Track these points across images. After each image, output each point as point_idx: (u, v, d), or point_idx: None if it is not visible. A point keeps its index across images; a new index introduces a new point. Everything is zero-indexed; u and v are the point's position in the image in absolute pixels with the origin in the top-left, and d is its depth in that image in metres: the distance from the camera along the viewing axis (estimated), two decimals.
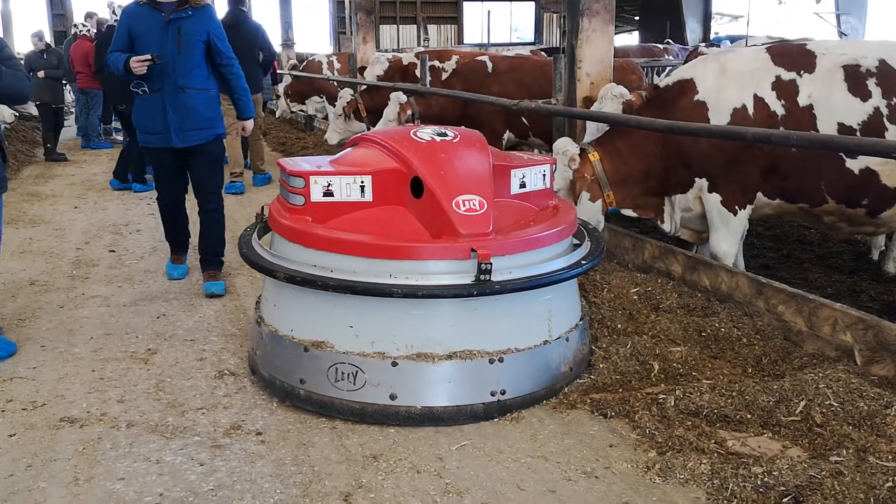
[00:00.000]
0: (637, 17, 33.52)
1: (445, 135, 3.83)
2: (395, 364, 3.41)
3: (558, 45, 25.15)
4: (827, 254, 6.66)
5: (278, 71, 15.19)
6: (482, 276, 3.30)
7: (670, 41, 20.59)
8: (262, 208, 4.16)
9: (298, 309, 3.62)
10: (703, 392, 3.50)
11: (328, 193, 3.62)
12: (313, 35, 33.30)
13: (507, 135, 8.22)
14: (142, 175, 9.49)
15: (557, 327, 3.73)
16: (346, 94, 10.19)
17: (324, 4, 34.87)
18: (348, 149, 4.11)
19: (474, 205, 3.50)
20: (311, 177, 3.62)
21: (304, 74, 14.66)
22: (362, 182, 3.63)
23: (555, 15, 34.96)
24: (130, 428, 3.46)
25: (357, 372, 3.43)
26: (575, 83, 6.06)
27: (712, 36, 27.26)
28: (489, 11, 28.73)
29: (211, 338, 4.55)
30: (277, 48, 14.45)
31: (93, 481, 3.03)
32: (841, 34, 23.52)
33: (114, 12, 9.29)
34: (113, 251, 6.53)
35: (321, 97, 14.30)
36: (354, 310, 3.46)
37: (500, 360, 3.49)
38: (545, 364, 3.65)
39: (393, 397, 3.41)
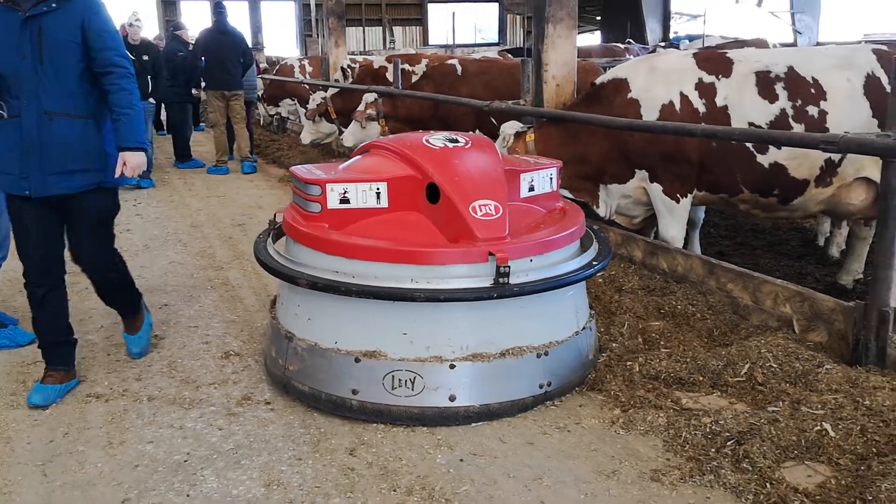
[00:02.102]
0: (599, 17, 34.16)
1: (457, 141, 3.94)
2: (452, 367, 3.51)
3: (522, 46, 25.64)
4: (777, 241, 7.20)
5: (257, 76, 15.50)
6: (501, 279, 3.41)
7: (631, 41, 21.12)
8: (275, 215, 4.29)
9: (342, 320, 3.63)
10: (662, 359, 3.95)
11: (344, 200, 3.70)
12: (280, 38, 33.48)
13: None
14: None
15: (581, 318, 3.97)
16: (317, 97, 10.63)
17: (290, 8, 35.06)
18: (358, 156, 4.21)
19: (490, 209, 3.60)
20: (327, 184, 3.69)
21: (276, 78, 15.00)
22: (378, 189, 3.71)
23: (518, 16, 35.48)
24: (151, 401, 3.85)
25: (415, 378, 3.49)
26: (542, 85, 6.49)
27: (672, 35, 27.92)
28: (454, 13, 29.17)
29: (213, 324, 4.93)
30: None
31: (126, 444, 3.43)
32: (795, 32, 24.33)
33: None
34: None
35: (293, 100, 14.65)
36: (407, 317, 3.52)
37: (546, 354, 3.67)
38: (578, 353, 3.88)
39: (452, 399, 3.51)
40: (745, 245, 7.09)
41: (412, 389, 3.50)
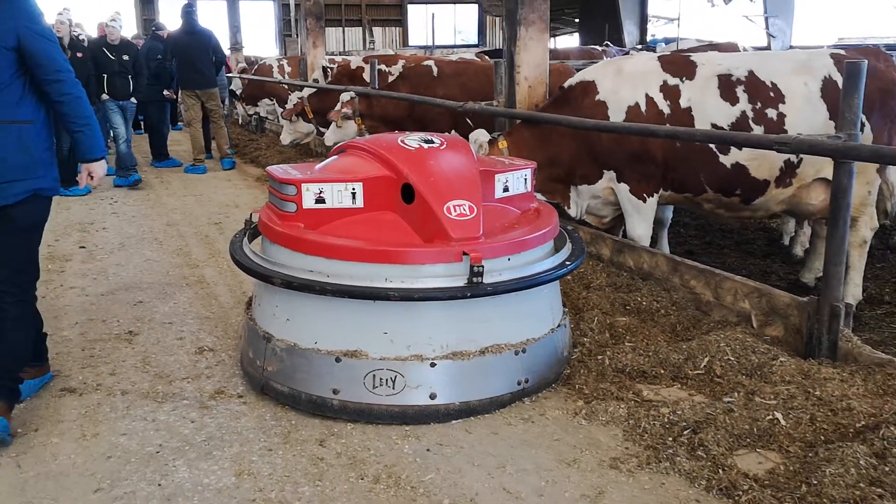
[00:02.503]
0: (577, 20, 34.39)
1: (432, 142, 3.97)
2: (433, 365, 3.56)
3: (501, 47, 25.78)
4: (744, 240, 7.37)
5: (227, 74, 15.54)
6: (474, 279, 3.45)
7: (609, 43, 21.32)
8: (251, 215, 4.34)
9: (322, 320, 3.65)
10: (627, 353, 4.07)
11: (320, 200, 3.74)
12: (259, 38, 33.45)
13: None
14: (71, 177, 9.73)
15: (556, 316, 4.07)
16: (293, 98, 10.74)
17: (269, 8, 35.03)
18: (334, 156, 4.23)
19: (464, 210, 3.64)
20: (302, 184, 3.72)
21: (255, 77, 15.05)
22: (354, 189, 3.74)
23: (497, 18, 35.65)
24: (125, 395, 3.92)
25: (396, 376, 3.53)
26: (514, 86, 6.61)
27: (649, 38, 28.20)
28: (433, 14, 29.26)
29: (187, 321, 4.99)
30: (226, 51, 14.89)
31: (99, 437, 3.50)
32: (769, 36, 24.67)
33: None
34: (83, 247, 6.90)
35: (271, 100, 14.72)
36: (387, 316, 3.56)
37: (524, 351, 3.74)
38: (554, 350, 3.95)
39: (433, 397, 3.56)
40: (714, 244, 7.25)
41: (393, 388, 3.54)
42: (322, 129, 10.33)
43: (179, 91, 11.71)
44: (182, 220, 8.08)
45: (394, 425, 3.56)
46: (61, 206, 8.89)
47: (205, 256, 6.58)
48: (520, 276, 3.66)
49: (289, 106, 10.63)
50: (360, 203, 3.78)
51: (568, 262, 3.95)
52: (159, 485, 3.12)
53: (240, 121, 16.47)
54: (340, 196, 3.76)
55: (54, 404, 3.82)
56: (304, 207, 3.75)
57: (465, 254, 3.50)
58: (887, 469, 2.87)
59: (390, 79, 9.83)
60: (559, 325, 4.05)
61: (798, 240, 6.77)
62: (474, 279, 3.46)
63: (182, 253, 6.73)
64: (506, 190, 4.15)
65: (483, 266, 3.46)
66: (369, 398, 3.56)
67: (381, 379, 3.54)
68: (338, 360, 3.58)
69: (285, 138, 10.57)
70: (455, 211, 3.64)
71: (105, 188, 10.03)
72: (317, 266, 3.60)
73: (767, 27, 24.58)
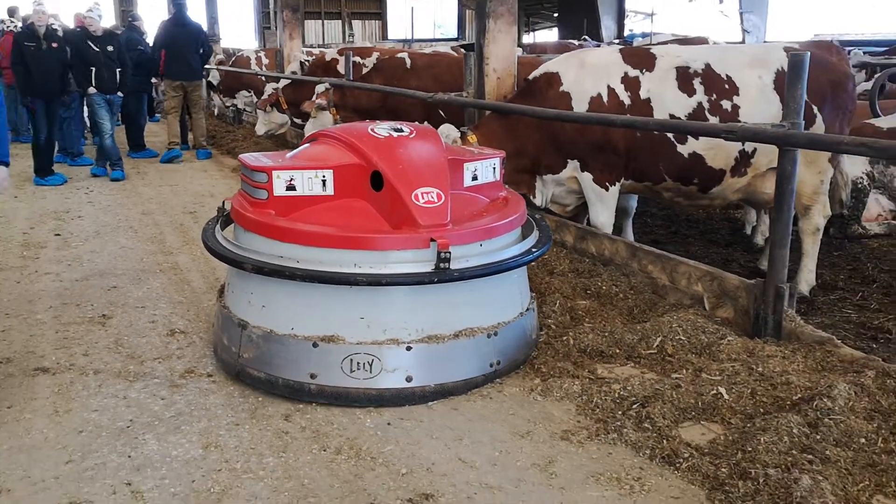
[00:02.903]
0: (556, 14, 34.60)
1: (402, 130, 4.05)
2: (409, 349, 3.66)
3: None
4: (708, 230, 7.57)
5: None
6: (441, 265, 3.54)
7: (587, 38, 21.51)
8: (224, 202, 4.41)
9: (299, 307, 3.72)
10: (587, 333, 4.23)
11: (291, 188, 3.80)
12: (238, 30, 33.40)
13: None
14: (48, 168, 9.82)
15: (524, 301, 4.20)
16: (268, 89, 10.84)
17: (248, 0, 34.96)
18: (306, 144, 4.31)
19: (432, 197, 3.72)
20: (273, 172, 3.79)
21: (232, 69, 15.11)
22: (324, 176, 3.81)
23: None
24: (97, 374, 4.04)
25: (373, 360, 3.62)
26: (483, 78, 6.77)
27: (626, 33, 28.47)
28: (413, 8, 29.39)
29: (160, 305, 5.11)
30: None
31: (71, 413, 3.62)
32: (744, 31, 24.96)
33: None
34: (58, 235, 6.99)
35: (249, 92, 14.79)
36: (363, 301, 3.65)
37: (496, 334, 3.85)
38: (524, 333, 4.08)
39: (409, 379, 3.65)
40: (679, 234, 7.44)
41: (370, 372, 3.63)
42: (296, 120, 10.44)
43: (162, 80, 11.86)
44: (157, 209, 8.16)
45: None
46: (37, 195, 8.96)
47: (179, 244, 6.68)
48: (487, 262, 3.78)
49: (264, 97, 10.73)
50: (330, 190, 3.85)
51: (535, 249, 4.07)
52: (129, 457, 3.24)
53: (216, 112, 16.50)
54: (311, 183, 3.82)
55: (28, 383, 3.93)
56: (274, 194, 3.82)
57: (432, 240, 3.59)
58: (818, 437, 3.05)
59: (364, 70, 9.96)
60: (528, 309, 4.18)
61: (759, 229, 6.97)
62: (441, 265, 3.56)
63: (156, 241, 6.83)
64: (475, 178, 4.24)
65: (450, 252, 3.55)
66: (347, 382, 3.64)
67: (358, 363, 3.63)
68: (315, 345, 3.65)
69: (260, 129, 10.68)
70: (423, 198, 3.72)
71: (81, 178, 10.10)
72: (287, 252, 3.68)
73: (742, 22, 24.87)
